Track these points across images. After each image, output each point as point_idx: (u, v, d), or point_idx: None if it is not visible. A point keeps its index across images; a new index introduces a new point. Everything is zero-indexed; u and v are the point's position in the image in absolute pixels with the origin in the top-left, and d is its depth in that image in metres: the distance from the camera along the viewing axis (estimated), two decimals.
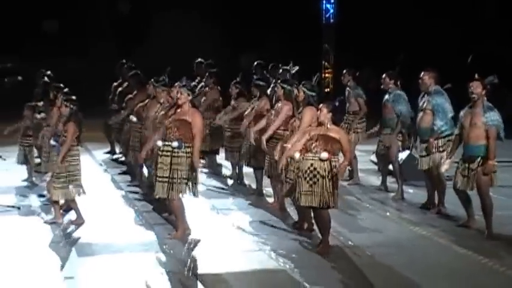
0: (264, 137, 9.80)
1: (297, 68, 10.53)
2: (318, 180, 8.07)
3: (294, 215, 9.58)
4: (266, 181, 10.70)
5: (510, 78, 14.24)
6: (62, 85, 10.64)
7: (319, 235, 8.47)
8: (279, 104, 9.91)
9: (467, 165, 8.93)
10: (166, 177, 8.55)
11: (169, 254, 8.17)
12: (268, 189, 10.82)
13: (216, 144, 12.64)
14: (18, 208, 10.27)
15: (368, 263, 7.91)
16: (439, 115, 9.83)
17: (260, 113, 10.50)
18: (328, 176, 8.07)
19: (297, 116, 9.18)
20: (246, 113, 11.01)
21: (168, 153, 8.57)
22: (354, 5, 23.54)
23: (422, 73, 10.09)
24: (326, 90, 24.48)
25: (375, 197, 11.31)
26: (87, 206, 9.73)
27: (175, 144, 8.54)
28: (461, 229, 9.26)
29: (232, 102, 11.79)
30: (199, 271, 7.61)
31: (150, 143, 9.12)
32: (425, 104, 10.01)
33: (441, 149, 9.86)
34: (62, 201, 9.51)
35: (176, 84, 8.83)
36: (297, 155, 8.30)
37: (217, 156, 13.05)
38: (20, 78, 12.38)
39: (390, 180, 11.64)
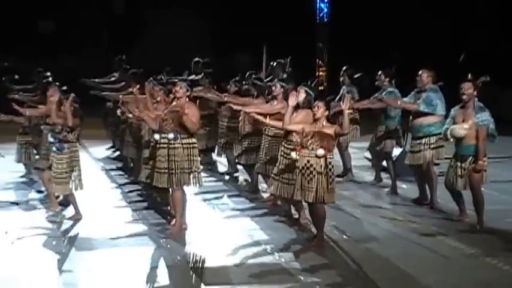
0: (248, 110, 9.76)
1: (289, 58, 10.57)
2: (314, 176, 8.16)
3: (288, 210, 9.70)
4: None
5: (502, 76, 14.39)
6: (58, 83, 10.72)
7: (314, 229, 8.58)
8: (274, 102, 9.96)
9: (459, 164, 9.07)
10: (166, 168, 8.64)
11: (166, 248, 8.26)
12: (263, 186, 10.91)
13: (211, 141, 12.74)
14: (17, 204, 10.35)
15: (362, 256, 8.00)
16: (426, 102, 9.91)
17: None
18: (324, 172, 8.17)
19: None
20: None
21: (165, 145, 8.66)
22: (347, 4, 23.64)
23: (421, 71, 10.18)
24: (320, 88, 24.59)
25: (369, 192, 11.44)
26: (85, 202, 9.81)
27: (171, 135, 8.63)
28: (454, 223, 9.39)
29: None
30: (196, 265, 7.69)
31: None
32: (419, 101, 10.13)
33: (432, 146, 10.00)
34: (60, 197, 9.59)
35: (176, 79, 8.93)
36: (294, 155, 8.39)
37: (212, 153, 13.15)
38: (16, 77, 12.44)
39: (384, 176, 11.77)
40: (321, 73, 25.63)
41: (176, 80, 8.86)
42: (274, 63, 11.38)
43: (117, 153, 14.18)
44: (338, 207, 9.93)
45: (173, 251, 8.13)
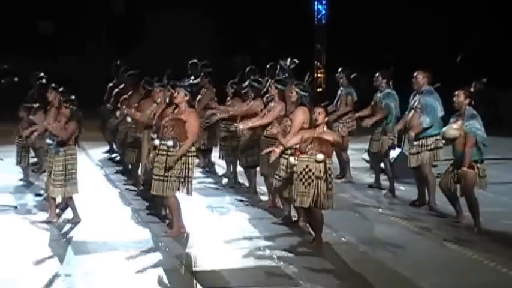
0: (246, 126, 9.98)
1: (295, 61, 10.59)
2: (312, 181, 8.19)
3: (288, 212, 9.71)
4: (260, 179, 10.80)
5: (499, 77, 14.38)
6: (57, 86, 10.73)
7: (312, 232, 8.60)
8: (272, 104, 10.00)
9: (456, 170, 9.11)
10: (162, 175, 8.68)
11: (165, 251, 8.27)
12: (262, 188, 10.95)
13: (211, 142, 12.76)
14: (15, 207, 10.36)
15: (361, 258, 8.04)
16: (428, 113, 9.99)
17: (253, 113, 10.59)
18: (323, 178, 8.20)
19: (290, 115, 9.29)
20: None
21: (164, 152, 8.69)
22: (345, 6, 23.66)
23: (417, 72, 10.23)
24: (318, 90, 24.61)
25: (367, 194, 11.45)
26: (84, 205, 9.82)
27: (170, 143, 8.65)
28: (451, 225, 9.41)
29: (229, 101, 11.90)
30: (195, 268, 7.70)
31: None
32: (416, 103, 10.17)
33: (429, 148, 10.04)
34: (59, 199, 9.61)
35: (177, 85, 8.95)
36: (292, 160, 8.43)
37: (211, 155, 13.16)
38: (16, 79, 12.47)
39: (382, 177, 11.79)
40: (319, 75, 25.65)
41: (177, 85, 8.86)
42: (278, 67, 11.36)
43: (115, 155, 14.19)
44: (336, 209, 9.88)
45: (172, 255, 8.14)
